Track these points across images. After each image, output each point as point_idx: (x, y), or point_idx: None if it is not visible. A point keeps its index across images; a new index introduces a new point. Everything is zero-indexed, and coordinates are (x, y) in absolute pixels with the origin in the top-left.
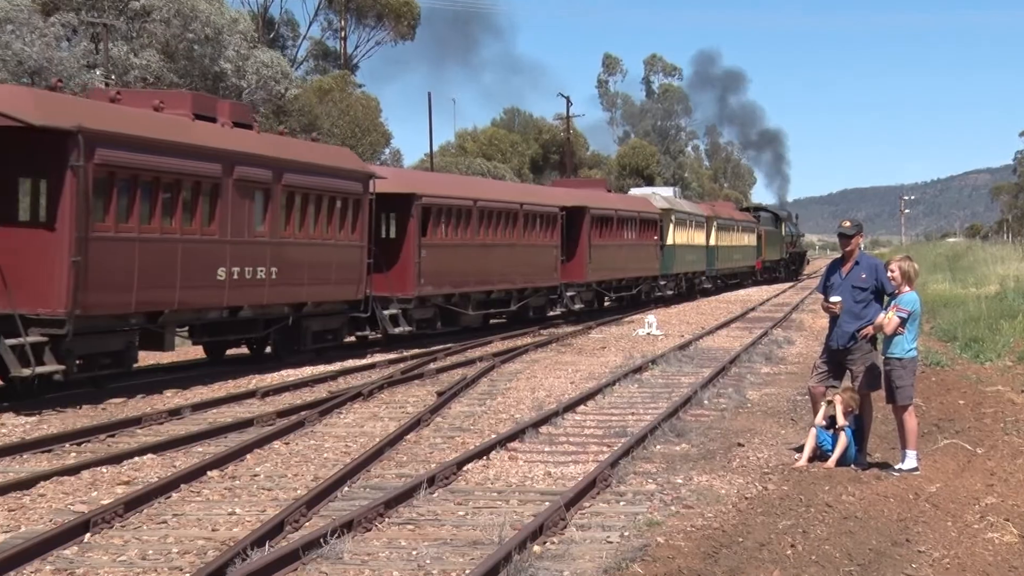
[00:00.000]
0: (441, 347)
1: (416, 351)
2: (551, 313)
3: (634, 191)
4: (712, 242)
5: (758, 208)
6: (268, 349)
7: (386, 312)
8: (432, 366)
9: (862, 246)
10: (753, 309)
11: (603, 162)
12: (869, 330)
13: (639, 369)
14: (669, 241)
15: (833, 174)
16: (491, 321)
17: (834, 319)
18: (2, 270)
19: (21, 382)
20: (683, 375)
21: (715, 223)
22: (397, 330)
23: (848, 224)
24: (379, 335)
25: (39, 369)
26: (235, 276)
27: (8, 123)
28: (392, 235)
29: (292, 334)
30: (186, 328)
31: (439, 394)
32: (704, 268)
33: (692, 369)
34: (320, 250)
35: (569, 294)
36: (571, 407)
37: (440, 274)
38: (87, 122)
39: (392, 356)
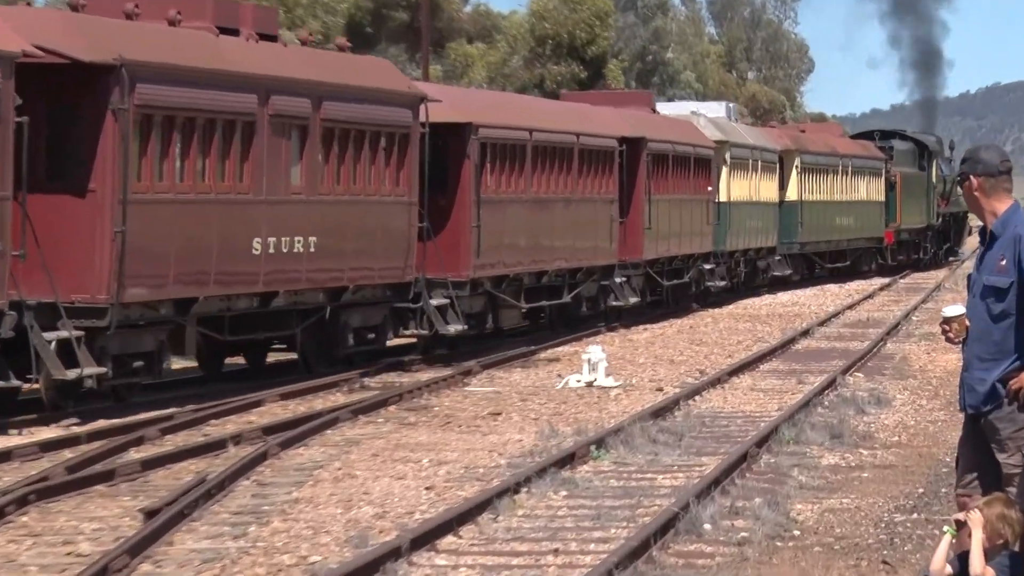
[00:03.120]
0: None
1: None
2: (614, 303)
3: (663, 108)
4: (792, 195)
5: (888, 134)
6: (253, 359)
7: (433, 302)
8: (134, 455)
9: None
10: (807, 333)
11: (499, 30)
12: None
13: (570, 459)
14: (722, 196)
15: (971, 61)
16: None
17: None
18: (40, 246)
19: (47, 390)
20: (660, 470)
21: (798, 162)
22: (451, 328)
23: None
24: (414, 335)
25: (85, 371)
26: (271, 250)
27: (55, 60)
28: (436, 184)
29: (327, 333)
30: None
31: (147, 514)
32: (775, 242)
33: (679, 458)
34: (363, 211)
35: (619, 280)
36: (428, 540)
37: (496, 246)
38: (127, 52)
39: (60, 433)
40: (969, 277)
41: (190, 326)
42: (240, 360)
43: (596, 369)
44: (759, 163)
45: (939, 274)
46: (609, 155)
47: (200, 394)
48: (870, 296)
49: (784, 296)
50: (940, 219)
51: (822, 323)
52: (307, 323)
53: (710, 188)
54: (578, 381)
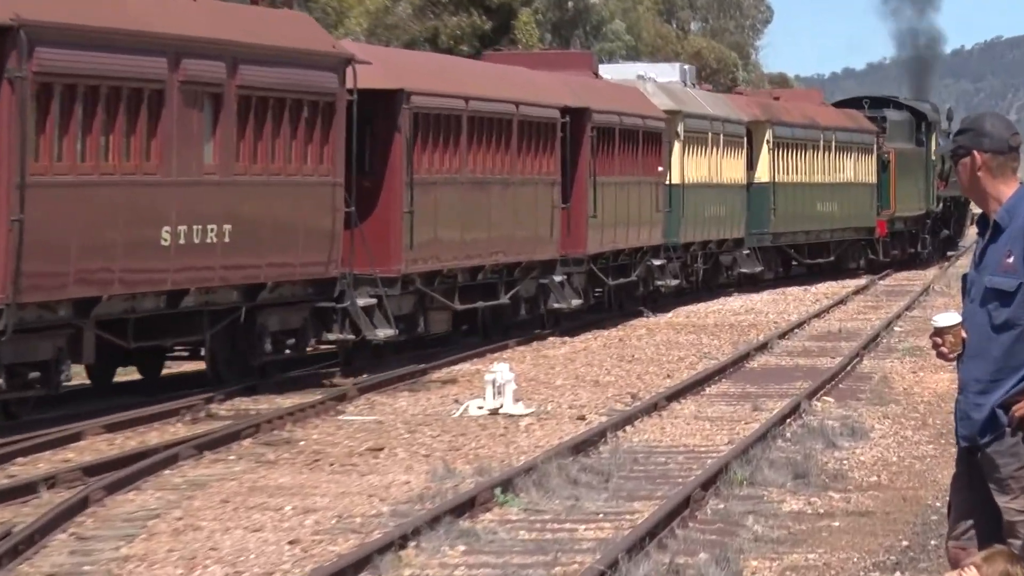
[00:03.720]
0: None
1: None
2: (555, 305)
3: (604, 72)
4: (762, 176)
5: (879, 101)
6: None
7: (360, 302)
8: None
9: None
10: (764, 347)
11: None
12: None
13: (469, 505)
14: (675, 177)
15: (966, 10)
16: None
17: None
18: None
19: None
20: (582, 519)
21: (769, 135)
22: (380, 333)
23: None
24: (339, 341)
25: None
26: (181, 240)
27: None
28: (359, 162)
29: (241, 338)
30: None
31: None
32: (742, 232)
33: (605, 504)
34: (283, 194)
35: (558, 278)
36: None
37: (431, 236)
38: (24, 10)
39: None
40: (965, 278)
41: (89, 330)
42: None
43: (502, 393)
44: (720, 137)
45: (928, 274)
46: (550, 128)
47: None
48: (842, 301)
49: (736, 302)
50: (940, 204)
51: (783, 335)
52: (219, 327)
53: (660, 168)
54: (480, 408)
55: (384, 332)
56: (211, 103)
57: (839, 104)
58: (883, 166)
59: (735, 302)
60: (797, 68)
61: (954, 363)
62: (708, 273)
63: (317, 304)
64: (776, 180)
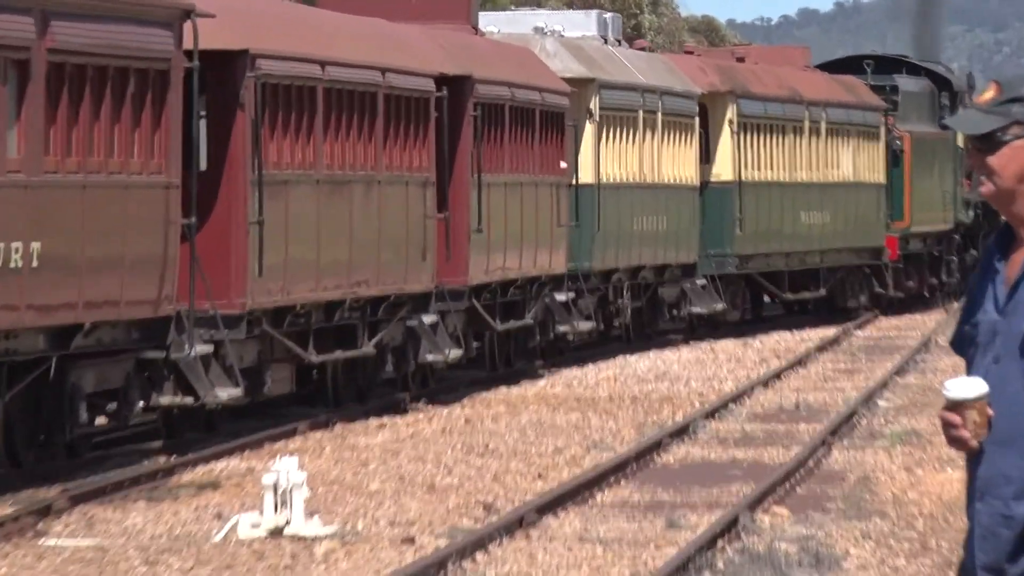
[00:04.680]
0: None
1: None
2: (429, 357)
3: (485, 22)
4: (723, 173)
5: (887, 62)
6: None
7: (197, 349)
8: None
9: None
10: (684, 432)
11: None
12: None
13: None
14: (586, 175)
15: None
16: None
17: (977, 465)
18: None
19: None
20: None
21: (732, 113)
22: (223, 394)
23: (991, 94)
24: (171, 405)
25: None
26: None
27: None
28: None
29: (48, 401)
30: None
31: None
32: (694, 254)
33: None
34: (105, 200)
35: (428, 320)
36: None
37: (282, 258)
38: None
39: None
40: (977, 326)
41: None
42: None
43: (289, 503)
44: (659, 116)
45: (927, 320)
46: (422, 105)
47: None
48: (801, 362)
49: (642, 363)
50: (973, 213)
51: (712, 413)
52: (19, 386)
53: (563, 164)
54: (255, 527)
55: (227, 392)
56: (15, 74)
57: (829, 67)
58: (894, 158)
59: (640, 363)
60: (731, 11)
61: (972, 452)
62: (642, 314)
63: (143, 355)
64: (743, 179)
